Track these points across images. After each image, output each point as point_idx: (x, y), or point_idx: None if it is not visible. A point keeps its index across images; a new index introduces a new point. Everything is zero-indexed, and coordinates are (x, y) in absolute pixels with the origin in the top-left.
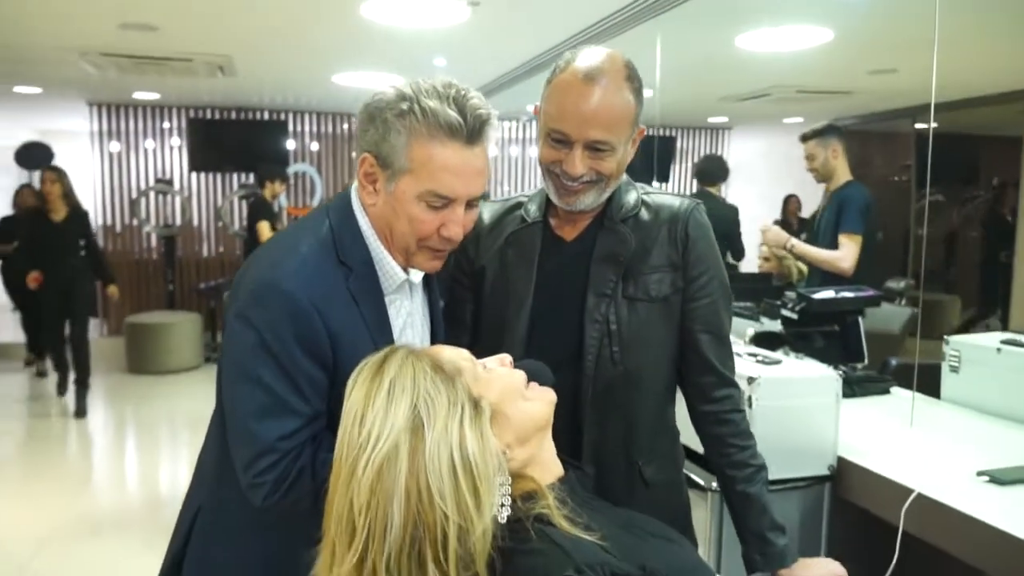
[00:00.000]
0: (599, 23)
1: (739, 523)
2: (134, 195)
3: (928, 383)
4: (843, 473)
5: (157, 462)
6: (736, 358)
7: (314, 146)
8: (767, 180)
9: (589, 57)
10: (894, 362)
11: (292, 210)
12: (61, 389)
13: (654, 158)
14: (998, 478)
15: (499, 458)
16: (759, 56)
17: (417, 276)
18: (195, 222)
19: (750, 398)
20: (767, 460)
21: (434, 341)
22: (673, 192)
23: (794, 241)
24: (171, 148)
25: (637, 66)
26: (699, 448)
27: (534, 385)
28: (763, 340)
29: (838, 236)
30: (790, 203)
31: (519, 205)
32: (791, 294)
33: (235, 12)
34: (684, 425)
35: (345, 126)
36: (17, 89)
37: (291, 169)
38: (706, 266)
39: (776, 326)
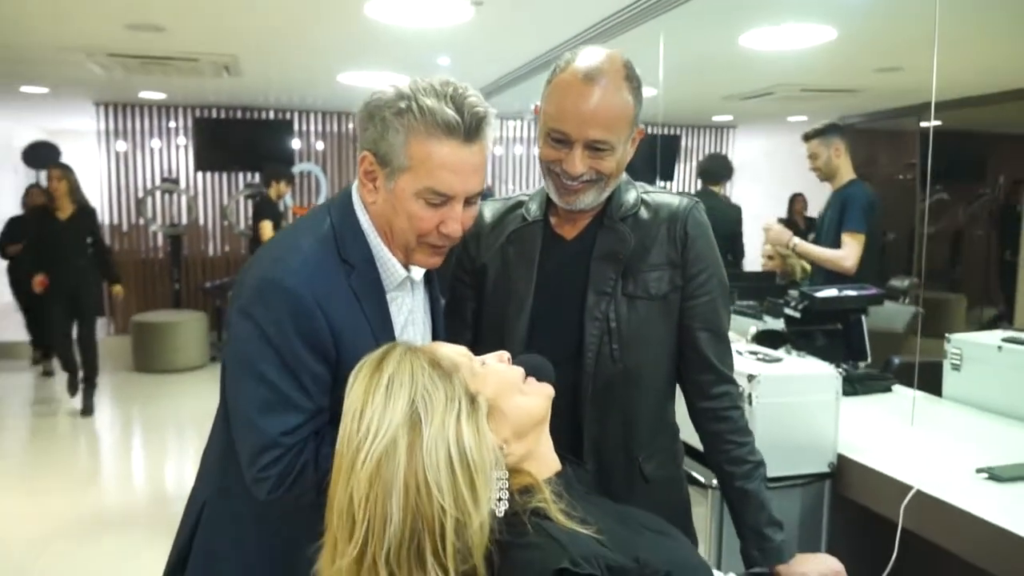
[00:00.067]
0: (602, 22)
1: (737, 519)
2: (140, 194)
3: (930, 381)
4: (843, 470)
5: (163, 460)
6: (737, 356)
7: (319, 145)
8: (772, 179)
9: (588, 57)
10: (897, 360)
11: (297, 210)
12: (72, 389)
13: (657, 157)
14: (997, 475)
15: (496, 453)
16: (762, 55)
17: (418, 273)
18: (201, 221)
19: (750, 395)
20: (767, 457)
21: (435, 338)
22: (672, 191)
23: (796, 240)
24: (177, 147)
25: (640, 65)
26: (699, 445)
27: (531, 380)
28: (765, 338)
29: (841, 235)
30: (796, 202)
31: (520, 204)
32: (794, 292)
33: (240, 12)
34: (684, 422)
35: (350, 126)
36: (24, 89)
37: (296, 169)
38: (705, 264)
39: (779, 325)
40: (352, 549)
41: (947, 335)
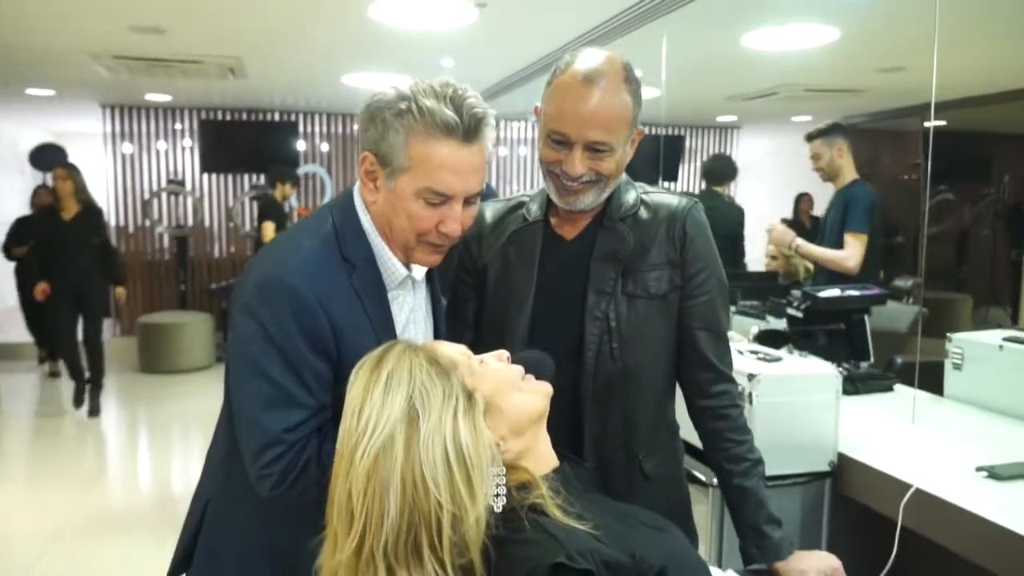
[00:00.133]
0: (605, 23)
1: (736, 516)
2: (146, 196)
3: (933, 381)
4: (844, 469)
5: (169, 460)
6: (738, 355)
7: (324, 147)
8: (776, 179)
9: (588, 59)
10: (899, 360)
11: (302, 211)
12: (78, 400)
13: (660, 157)
14: (997, 474)
15: (492, 450)
16: (765, 55)
17: (419, 273)
18: (207, 223)
19: (750, 394)
20: (768, 456)
21: (437, 337)
22: (672, 191)
23: (799, 241)
24: (183, 149)
25: (644, 66)
26: (700, 443)
27: (530, 378)
28: (767, 338)
29: (844, 235)
30: (802, 201)
31: (521, 204)
32: (797, 292)
33: (244, 15)
34: (684, 420)
35: (355, 127)
36: (30, 91)
37: (301, 170)
38: (704, 264)
39: (782, 325)
40: (351, 542)
41: (948, 334)
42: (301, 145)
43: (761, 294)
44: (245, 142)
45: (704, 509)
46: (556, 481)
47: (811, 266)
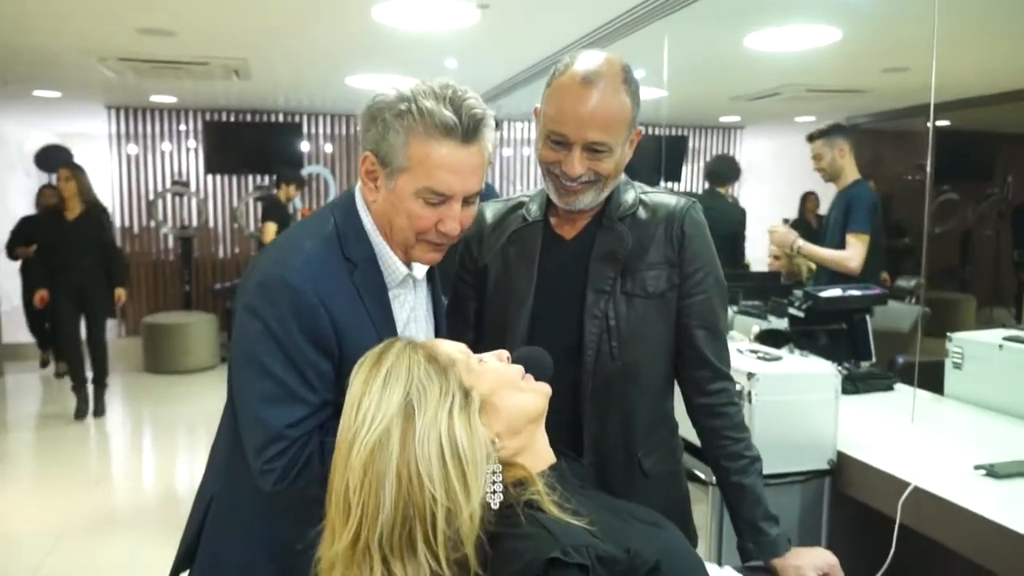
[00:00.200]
0: (607, 24)
1: (733, 513)
2: (151, 197)
3: (934, 380)
4: (843, 467)
5: (173, 460)
6: (738, 354)
7: (328, 148)
8: (780, 179)
9: (587, 61)
10: (901, 360)
11: (306, 212)
12: (79, 413)
13: (662, 158)
14: (995, 472)
15: (487, 447)
16: (768, 55)
17: (420, 272)
18: (211, 223)
19: (749, 393)
20: (767, 454)
21: (437, 336)
22: (671, 191)
23: (800, 242)
24: (187, 150)
25: (646, 67)
26: (699, 441)
27: (529, 378)
28: (768, 338)
29: (846, 235)
30: (808, 201)
31: (521, 205)
32: (798, 292)
33: (249, 16)
34: (684, 418)
35: (359, 128)
36: (37, 93)
37: (305, 171)
38: (701, 263)
39: (784, 324)
40: (347, 533)
41: (949, 334)
42: (305, 146)
43: (763, 294)
44: (249, 143)
45: (704, 508)
46: (552, 478)
47: (813, 266)
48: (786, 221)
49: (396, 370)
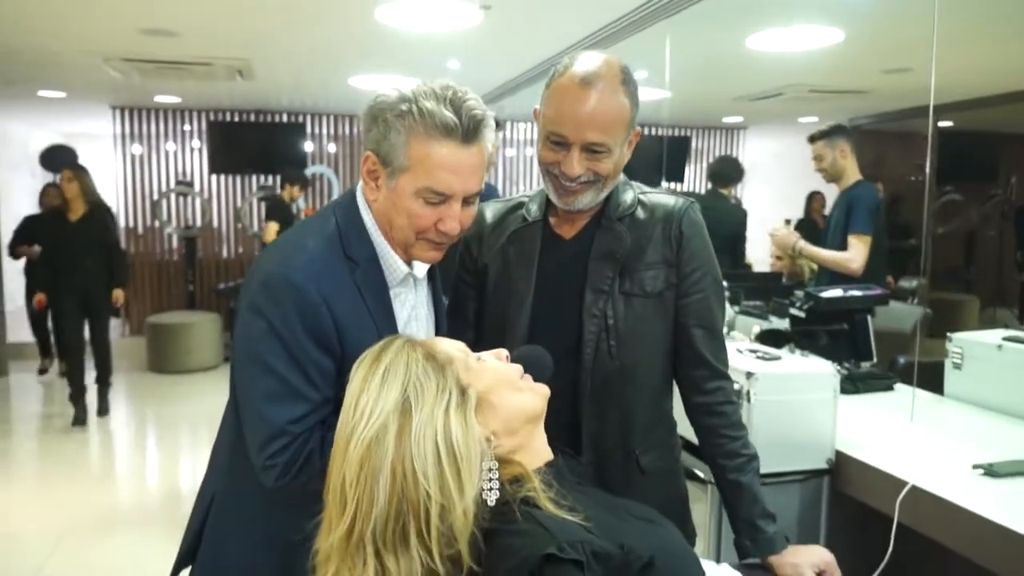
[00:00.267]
0: (610, 25)
1: (730, 511)
2: (155, 197)
3: (934, 380)
4: (841, 467)
5: (176, 460)
6: (737, 354)
7: (331, 148)
8: (783, 180)
9: (586, 62)
10: (902, 360)
11: (310, 212)
12: (78, 419)
13: (663, 158)
14: (993, 471)
15: (483, 444)
16: (770, 56)
17: (421, 271)
18: (215, 223)
19: (748, 393)
20: (766, 453)
21: (438, 334)
22: (670, 192)
23: (801, 244)
24: (191, 150)
25: (649, 67)
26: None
27: (528, 378)
28: (768, 338)
29: (847, 236)
30: (814, 200)
31: (520, 205)
32: (799, 293)
33: (252, 17)
34: (682, 417)
35: (361, 128)
36: (42, 93)
37: (309, 171)
38: (699, 263)
39: (785, 325)
40: (342, 526)
41: (949, 334)
42: (308, 146)
43: (765, 294)
44: (253, 143)
45: (703, 506)
46: (549, 475)
47: (815, 267)
48: (788, 222)
49: (394, 367)
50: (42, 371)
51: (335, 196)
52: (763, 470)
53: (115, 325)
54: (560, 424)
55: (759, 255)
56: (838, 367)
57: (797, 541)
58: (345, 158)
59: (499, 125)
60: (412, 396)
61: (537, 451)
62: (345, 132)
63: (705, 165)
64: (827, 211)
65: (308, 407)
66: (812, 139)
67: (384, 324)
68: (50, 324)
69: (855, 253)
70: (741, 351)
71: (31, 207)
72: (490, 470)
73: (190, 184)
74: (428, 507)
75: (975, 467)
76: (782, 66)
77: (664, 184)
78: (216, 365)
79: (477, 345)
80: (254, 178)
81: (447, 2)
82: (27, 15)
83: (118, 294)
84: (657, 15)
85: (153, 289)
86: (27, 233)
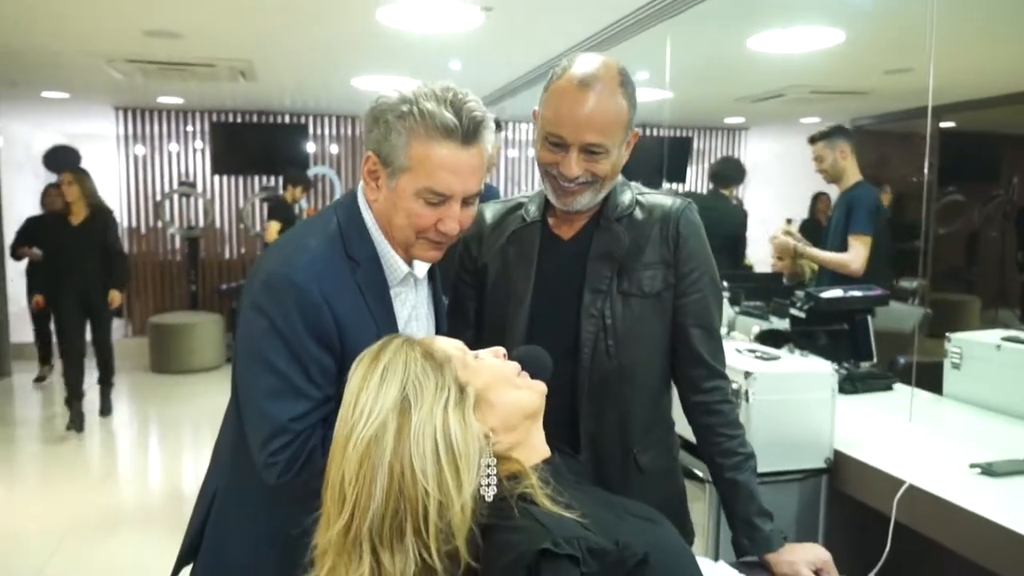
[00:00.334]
0: (611, 26)
1: (728, 509)
2: (158, 197)
3: (934, 380)
4: (840, 466)
5: (179, 460)
6: (736, 354)
7: (333, 149)
8: (784, 180)
9: (584, 64)
10: (902, 360)
11: (312, 212)
12: (74, 424)
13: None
14: (991, 470)
15: (481, 441)
16: (771, 57)
17: (421, 271)
18: (217, 224)
19: (747, 392)
20: (765, 453)
21: (438, 334)
22: (667, 192)
23: (800, 247)
24: (194, 151)
25: (650, 68)
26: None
27: (525, 375)
28: (768, 338)
29: (848, 237)
30: (819, 201)
31: (520, 205)
32: (800, 293)
33: (254, 18)
34: (681, 416)
35: (362, 129)
36: (45, 94)
37: (311, 172)
38: (697, 263)
39: (785, 325)
40: (340, 522)
41: (948, 334)
42: (311, 147)
43: (765, 295)
44: (256, 144)
45: (702, 505)
46: (546, 472)
47: (816, 267)
48: (789, 221)
49: (393, 366)
50: (40, 379)
51: (337, 197)
52: (762, 469)
53: (118, 325)
54: (558, 423)
55: (760, 255)
56: (837, 367)
57: (795, 540)
58: (347, 159)
59: (500, 126)
60: (411, 394)
61: (535, 448)
62: (347, 133)
63: (707, 166)
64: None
65: (309, 404)
66: (812, 140)
67: (385, 323)
68: (52, 327)
69: (855, 254)
70: (740, 351)
71: (34, 208)
72: (488, 466)
73: (193, 185)
74: (427, 504)
75: (973, 466)
76: (783, 67)
77: (665, 185)
78: (218, 365)
79: (476, 345)
80: (256, 179)
81: (448, 3)
82: (30, 16)
83: (114, 295)
84: (658, 16)
85: (156, 289)
86: (29, 234)
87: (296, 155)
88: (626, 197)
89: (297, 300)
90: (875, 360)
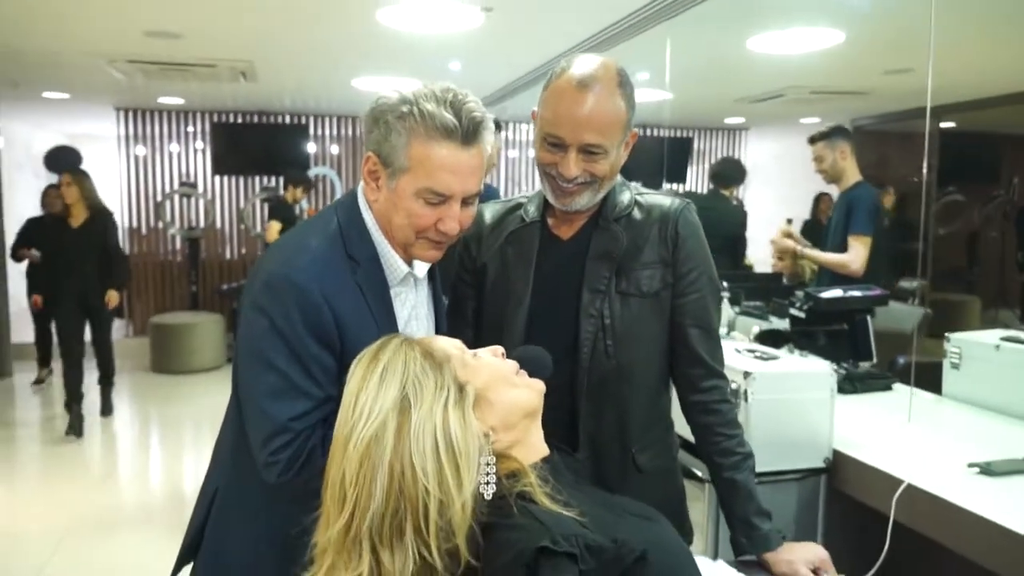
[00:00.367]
0: (611, 27)
1: (726, 508)
2: (159, 198)
3: (933, 380)
4: (838, 465)
5: (180, 459)
6: (735, 354)
7: (334, 149)
8: (784, 181)
9: (583, 65)
10: (902, 360)
11: (312, 213)
12: (72, 428)
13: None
14: (990, 470)
15: (480, 440)
16: (771, 58)
17: (421, 271)
18: (218, 224)
19: (745, 392)
20: (764, 452)
21: (437, 334)
22: (666, 192)
23: (800, 249)
24: (195, 152)
25: (650, 69)
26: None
27: (523, 374)
28: (768, 338)
29: (847, 238)
30: (822, 201)
31: (519, 206)
32: (799, 293)
33: (255, 19)
34: (680, 416)
35: (363, 129)
36: (46, 94)
37: (312, 172)
38: (695, 263)
39: (785, 325)
40: (340, 521)
41: (947, 334)
42: (311, 147)
43: (765, 295)
44: (256, 144)
45: (701, 505)
46: (545, 470)
47: (816, 267)
48: (790, 221)
49: (392, 365)
50: (38, 382)
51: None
52: (760, 469)
53: (118, 326)
54: (557, 421)
55: (760, 255)
56: (836, 367)
57: (794, 539)
58: (347, 159)
59: (500, 127)
60: (411, 394)
61: (534, 447)
62: (347, 133)
63: (707, 166)
64: None
65: (310, 404)
66: (812, 140)
67: (385, 323)
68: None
69: (855, 254)
70: (739, 351)
71: (35, 208)
72: (488, 464)
73: (193, 185)
74: (427, 502)
75: (971, 466)
76: (783, 67)
77: (666, 185)
78: (219, 366)
79: (476, 344)
80: (257, 179)
81: (448, 4)
82: (31, 17)
83: (112, 295)
84: (658, 17)
85: (156, 290)
86: (29, 236)
87: (297, 155)
88: (625, 197)
89: (298, 300)
90: (875, 360)
